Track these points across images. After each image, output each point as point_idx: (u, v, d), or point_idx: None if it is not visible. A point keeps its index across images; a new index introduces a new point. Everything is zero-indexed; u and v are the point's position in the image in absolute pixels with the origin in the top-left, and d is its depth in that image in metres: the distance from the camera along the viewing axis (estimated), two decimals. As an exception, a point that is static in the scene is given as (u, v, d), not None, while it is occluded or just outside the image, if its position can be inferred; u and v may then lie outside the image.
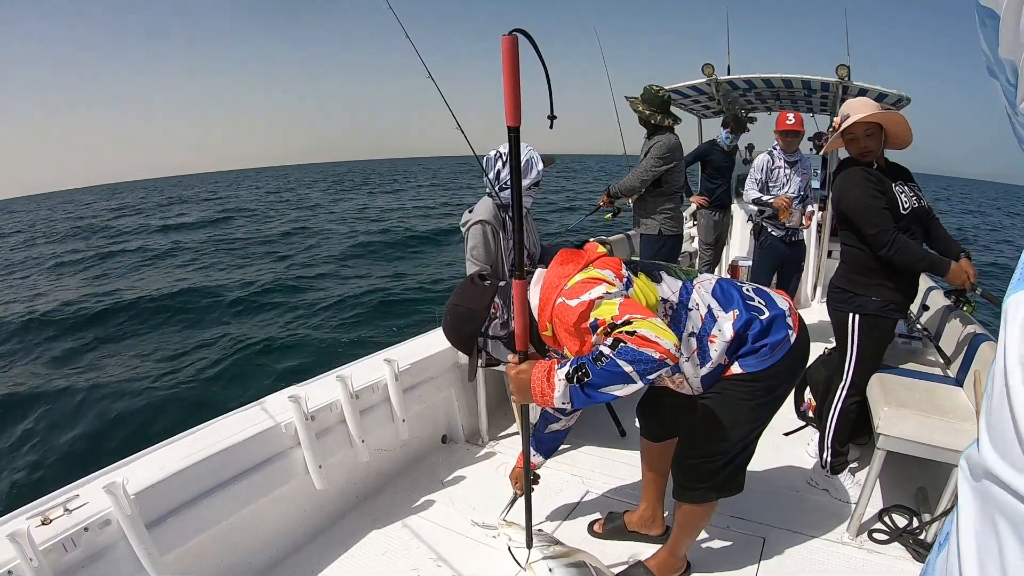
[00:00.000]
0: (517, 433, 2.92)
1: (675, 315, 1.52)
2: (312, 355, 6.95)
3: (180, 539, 1.76)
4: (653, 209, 3.71)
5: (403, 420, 2.49)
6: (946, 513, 1.90)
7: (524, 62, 1.19)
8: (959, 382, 2.31)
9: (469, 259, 2.46)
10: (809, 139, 5.13)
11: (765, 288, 1.66)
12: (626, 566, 1.97)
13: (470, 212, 2.52)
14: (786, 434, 2.85)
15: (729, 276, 2.69)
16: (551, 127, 1.31)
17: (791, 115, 3.86)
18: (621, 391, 1.30)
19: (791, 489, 2.44)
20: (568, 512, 2.35)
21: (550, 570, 1.88)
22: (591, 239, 4.63)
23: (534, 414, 2.34)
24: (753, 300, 1.58)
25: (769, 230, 3.99)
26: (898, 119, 2.22)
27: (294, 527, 2.20)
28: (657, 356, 1.25)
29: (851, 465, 2.52)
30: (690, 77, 4.93)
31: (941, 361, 2.66)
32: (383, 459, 2.57)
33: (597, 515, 2.29)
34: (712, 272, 2.02)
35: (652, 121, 3.56)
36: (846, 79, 4.14)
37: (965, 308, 2.51)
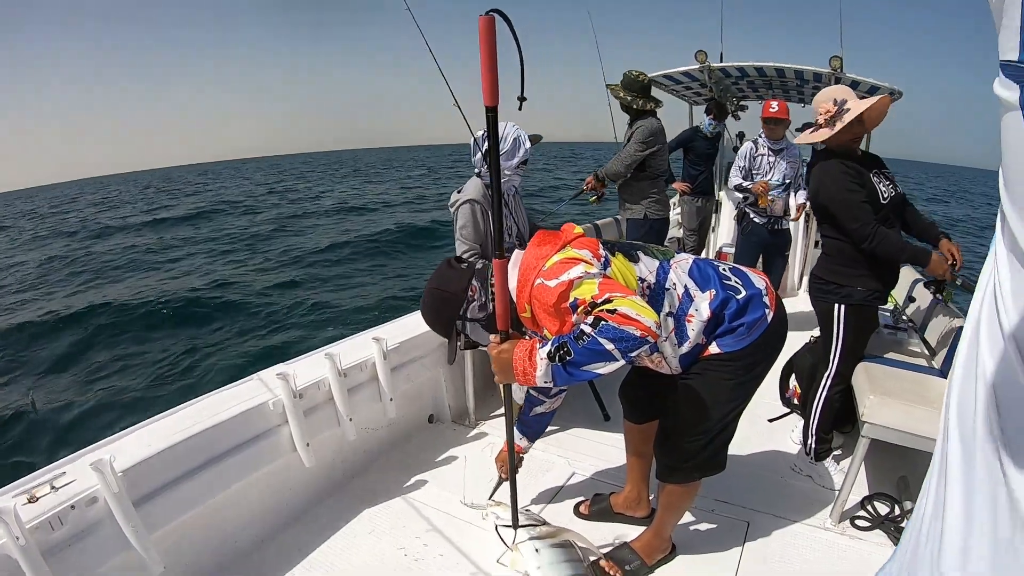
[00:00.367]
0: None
1: (652, 295, 1.53)
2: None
3: (168, 516, 1.75)
4: (638, 193, 3.74)
5: (391, 399, 2.49)
6: None
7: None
8: (943, 373, 2.34)
9: (458, 238, 2.46)
10: (797, 130, 5.14)
11: (742, 268, 1.67)
12: (612, 547, 1.99)
13: (459, 192, 2.52)
14: (771, 420, 2.88)
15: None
16: (520, 108, 1.36)
17: (775, 103, 3.88)
18: (603, 369, 1.32)
19: (775, 475, 2.47)
20: (554, 493, 2.37)
21: (537, 550, 1.90)
22: (586, 224, 4.63)
23: (519, 395, 2.35)
24: (730, 279, 1.58)
25: (751, 216, 4.03)
26: (887, 101, 2.26)
27: (281, 505, 2.20)
28: (638, 334, 1.26)
29: (835, 452, 2.56)
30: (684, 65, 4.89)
31: (926, 352, 2.70)
32: (370, 438, 2.57)
33: (583, 497, 2.30)
34: None
35: (634, 106, 3.59)
36: (839, 70, 4.14)
37: (946, 296, 2.54)
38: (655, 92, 3.86)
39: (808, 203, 4.71)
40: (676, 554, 1.97)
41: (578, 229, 1.59)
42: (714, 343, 1.57)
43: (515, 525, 2.00)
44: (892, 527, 2.07)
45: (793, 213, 4.07)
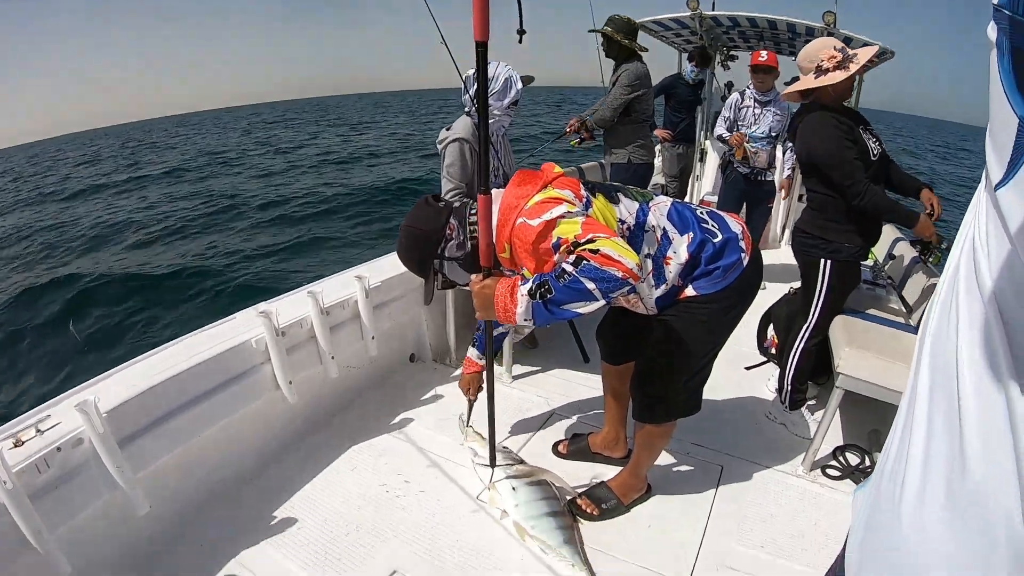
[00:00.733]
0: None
1: (632, 236, 1.52)
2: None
3: (153, 456, 1.75)
4: (623, 138, 3.69)
5: (372, 337, 2.48)
6: None
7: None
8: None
9: (445, 176, 2.43)
10: (787, 83, 5.04)
11: (720, 212, 1.66)
12: (589, 486, 2.04)
13: (448, 130, 2.47)
14: (747, 368, 2.93)
15: None
16: (520, 41, 1.33)
17: (764, 52, 3.80)
18: (583, 308, 1.32)
19: (751, 421, 2.54)
20: (533, 433, 2.41)
21: (514, 488, 1.95)
22: (569, 168, 4.54)
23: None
24: (707, 223, 1.58)
25: (735, 165, 4.00)
26: (873, 50, 2.28)
27: (265, 443, 2.21)
28: (620, 275, 1.26)
29: (809, 402, 2.62)
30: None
31: (903, 309, 2.74)
32: (352, 376, 2.57)
33: (561, 436, 2.35)
34: None
35: (620, 42, 3.51)
36: (832, 26, 4.04)
37: (931, 259, 2.56)
38: (643, 39, 3.79)
39: (793, 170, 4.70)
40: (652, 494, 2.04)
41: (557, 169, 1.56)
42: (690, 286, 1.58)
43: (492, 464, 2.04)
44: (862, 477, 2.15)
45: (778, 186, 4.04)
